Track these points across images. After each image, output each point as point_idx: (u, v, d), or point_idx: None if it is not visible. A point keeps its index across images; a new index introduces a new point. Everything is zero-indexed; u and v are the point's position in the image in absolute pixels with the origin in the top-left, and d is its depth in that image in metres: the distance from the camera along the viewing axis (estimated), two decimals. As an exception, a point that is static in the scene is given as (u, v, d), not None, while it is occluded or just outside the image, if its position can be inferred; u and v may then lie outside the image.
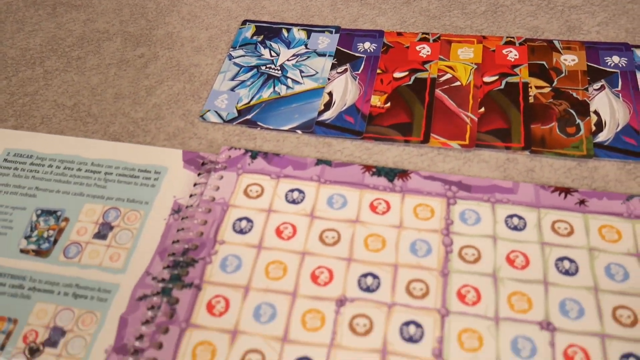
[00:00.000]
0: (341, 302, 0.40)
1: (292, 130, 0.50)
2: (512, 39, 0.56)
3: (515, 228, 0.43)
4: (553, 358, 0.37)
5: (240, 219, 0.45)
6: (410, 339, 0.38)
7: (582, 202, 0.44)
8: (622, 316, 0.38)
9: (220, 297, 0.41)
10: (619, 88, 0.51)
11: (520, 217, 0.44)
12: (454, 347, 0.37)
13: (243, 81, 0.54)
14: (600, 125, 0.49)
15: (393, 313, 0.39)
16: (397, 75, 0.53)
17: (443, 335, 0.38)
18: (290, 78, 0.54)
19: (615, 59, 0.53)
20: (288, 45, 0.57)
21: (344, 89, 0.52)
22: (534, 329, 0.38)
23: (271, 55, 0.56)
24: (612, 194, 0.45)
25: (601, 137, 0.48)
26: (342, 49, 0.56)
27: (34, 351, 0.40)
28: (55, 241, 0.45)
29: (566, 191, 0.45)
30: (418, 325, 0.38)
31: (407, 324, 0.39)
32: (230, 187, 0.46)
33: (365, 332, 0.38)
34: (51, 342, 0.40)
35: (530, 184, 0.45)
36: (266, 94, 0.53)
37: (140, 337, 0.39)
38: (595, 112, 0.49)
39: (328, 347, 0.38)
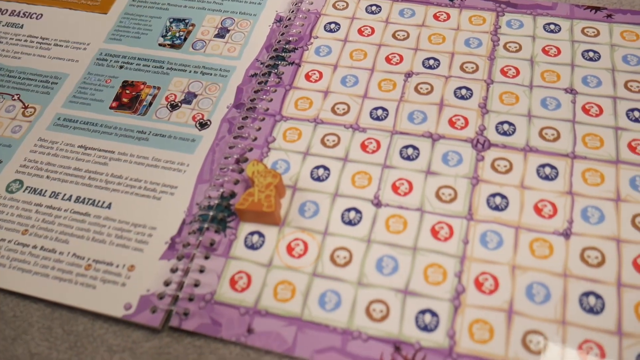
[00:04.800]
0: (408, 75, 0.51)
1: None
2: None
3: (551, 31, 0.54)
4: (574, 113, 0.48)
5: (330, 23, 0.57)
6: (462, 97, 0.49)
7: (609, 15, 0.54)
8: (632, 86, 0.49)
9: (316, 71, 0.53)
10: None
11: (556, 24, 0.54)
12: (495, 102, 0.49)
13: None
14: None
15: (449, 82, 0.51)
16: None
17: (487, 96, 0.49)
18: None
19: None
20: None
21: None
22: (560, 93, 0.49)
23: None
24: (636, 11, 0.54)
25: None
26: None
27: (174, 106, 0.54)
28: (185, 39, 0.59)
29: (597, 8, 0.55)
30: (468, 89, 0.50)
31: (460, 88, 0.50)
32: (322, 1, 0.58)
33: (427, 92, 0.50)
34: (186, 101, 0.54)
35: (566, 4, 0.55)
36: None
37: (253, 100, 0.52)
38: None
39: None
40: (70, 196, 0.49)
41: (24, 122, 0.54)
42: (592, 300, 0.38)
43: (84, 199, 0.48)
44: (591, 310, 0.38)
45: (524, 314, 0.38)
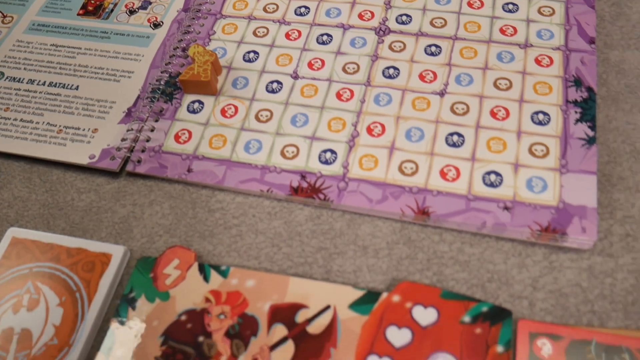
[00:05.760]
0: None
1: None
2: None
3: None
4: (460, 6, 0.58)
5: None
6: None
7: None
8: (510, -14, 0.59)
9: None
10: None
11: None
12: (399, 1, 0.59)
13: None
14: None
15: (362, -14, 0.61)
16: None
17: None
18: None
19: None
20: None
21: None
22: (451, -8, 0.59)
23: None
24: None
25: None
26: None
27: (132, 12, 0.63)
28: (142, -42, 0.68)
29: None
30: None
31: (370, -10, 0.60)
32: None
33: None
34: (143, 7, 0.63)
35: None
36: None
37: (199, 4, 0.62)
38: None
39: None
40: (44, 82, 0.58)
41: (3, 28, 0.63)
42: (455, 137, 0.49)
43: (56, 83, 0.58)
44: (454, 145, 0.48)
45: (402, 149, 0.49)
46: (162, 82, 0.56)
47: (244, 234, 0.47)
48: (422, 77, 0.53)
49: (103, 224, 0.49)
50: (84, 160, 0.52)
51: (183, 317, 0.43)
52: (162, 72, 0.57)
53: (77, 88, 0.57)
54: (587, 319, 0.41)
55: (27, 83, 0.58)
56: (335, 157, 0.49)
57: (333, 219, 0.47)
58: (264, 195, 0.49)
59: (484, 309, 0.42)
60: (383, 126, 0.50)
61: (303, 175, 0.48)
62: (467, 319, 0.41)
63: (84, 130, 0.54)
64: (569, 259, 0.44)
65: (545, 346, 0.40)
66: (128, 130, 0.53)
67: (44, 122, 0.55)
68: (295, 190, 0.48)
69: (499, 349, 0.40)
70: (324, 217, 0.48)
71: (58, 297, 0.45)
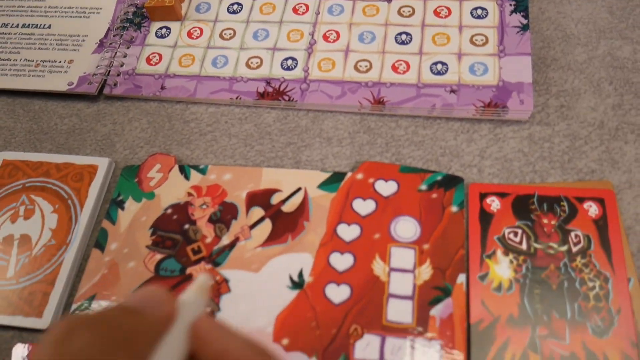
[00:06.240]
0: None
1: None
2: None
3: None
4: None
5: None
6: None
7: None
8: None
9: None
10: None
11: None
12: None
13: None
14: None
15: None
16: None
17: None
18: None
19: None
20: None
21: None
22: None
23: None
24: None
25: None
26: None
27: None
28: None
29: None
30: None
31: None
32: None
33: None
34: (104, -49, 0.66)
35: None
36: None
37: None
38: None
39: None
40: (18, 24, 0.62)
41: (-28, -18, 0.66)
42: (403, 36, 0.54)
43: (29, 24, 0.61)
44: (402, 43, 0.53)
45: (356, 51, 0.53)
46: (130, 14, 0.59)
47: (218, 138, 0.52)
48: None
49: (87, 142, 0.53)
50: (63, 87, 0.56)
51: (169, 211, 0.48)
52: (129, 5, 0.60)
53: (49, 27, 0.61)
54: (529, 178, 0.47)
55: (1, 27, 0.61)
56: (296, 64, 0.53)
57: (298, 117, 0.52)
58: (234, 103, 0.53)
59: (439, 177, 0.47)
60: (338, 33, 0.55)
61: (268, 82, 0.53)
62: (423, 187, 0.46)
63: (60, 62, 0.58)
64: (512, 130, 0.49)
65: (494, 203, 0.45)
66: (102, 58, 0.57)
67: (21, 59, 0.58)
68: (262, 95, 0.52)
69: (454, 209, 0.45)
70: (290, 117, 0.52)
71: (51, 205, 0.49)
